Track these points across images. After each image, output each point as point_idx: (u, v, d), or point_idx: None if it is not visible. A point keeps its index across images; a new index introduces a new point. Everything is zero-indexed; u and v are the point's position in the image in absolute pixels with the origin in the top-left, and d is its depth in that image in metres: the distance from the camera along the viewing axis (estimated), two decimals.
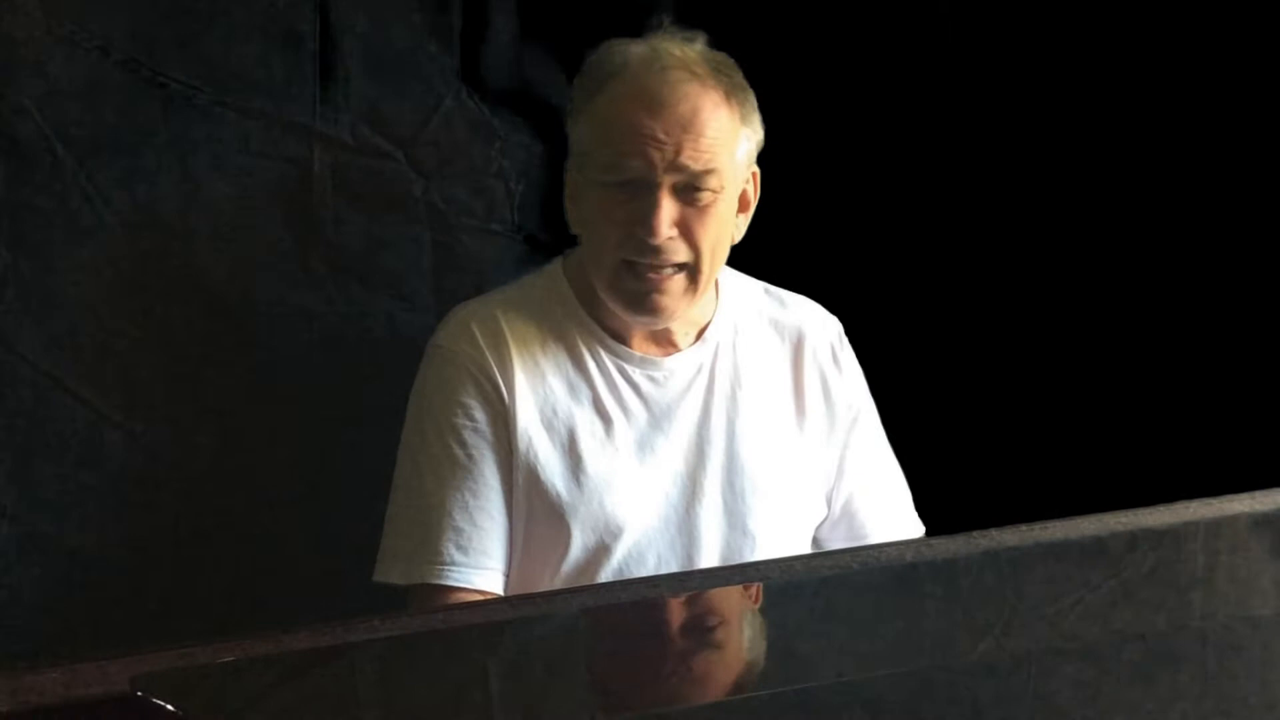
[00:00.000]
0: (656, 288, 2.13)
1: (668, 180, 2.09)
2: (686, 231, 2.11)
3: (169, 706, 1.43)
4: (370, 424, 2.30)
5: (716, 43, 2.18)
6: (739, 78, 2.16)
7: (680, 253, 2.12)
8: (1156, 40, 2.66)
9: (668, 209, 2.09)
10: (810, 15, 2.76)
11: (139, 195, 2.29)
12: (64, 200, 2.25)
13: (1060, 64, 2.74)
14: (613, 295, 2.16)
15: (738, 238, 2.22)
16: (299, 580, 2.41)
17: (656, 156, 2.08)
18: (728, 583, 1.91)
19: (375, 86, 2.43)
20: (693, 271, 2.14)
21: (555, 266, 2.26)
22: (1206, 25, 2.60)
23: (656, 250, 2.10)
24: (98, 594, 2.32)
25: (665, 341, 2.23)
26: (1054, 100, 2.74)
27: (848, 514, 2.33)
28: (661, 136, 2.08)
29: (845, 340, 2.35)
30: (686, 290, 2.15)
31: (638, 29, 2.20)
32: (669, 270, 2.12)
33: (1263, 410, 2.61)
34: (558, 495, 2.15)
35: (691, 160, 2.08)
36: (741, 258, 2.31)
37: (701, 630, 1.76)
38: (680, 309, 2.17)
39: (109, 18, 2.25)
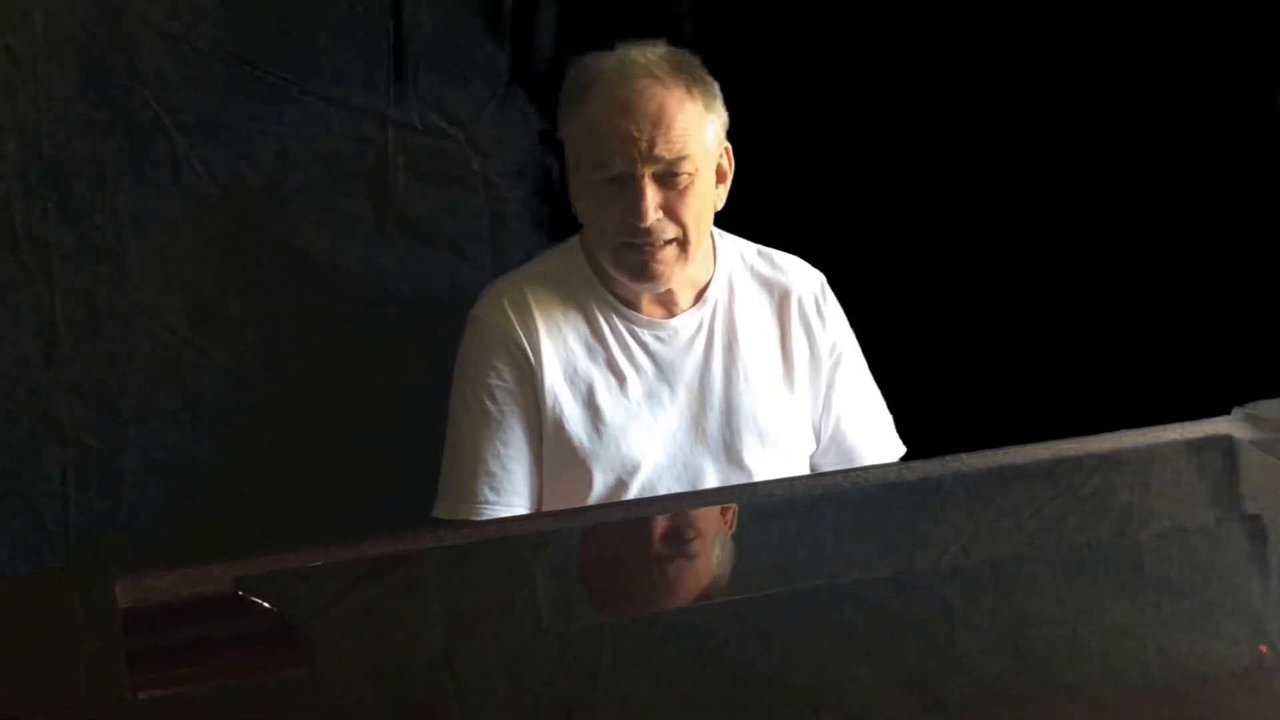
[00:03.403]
0: (652, 258, 2.16)
1: (648, 171, 2.12)
2: (670, 211, 2.14)
3: (266, 604, 1.45)
4: (435, 363, 2.31)
5: (729, 36, 2.18)
6: (700, 71, 2.19)
7: (669, 230, 2.15)
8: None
9: (651, 195, 2.13)
10: (810, 7, 2.72)
11: (239, 171, 2.31)
12: (176, 175, 2.27)
13: (1033, 35, 2.71)
14: (617, 270, 2.21)
15: (719, 205, 2.24)
16: (373, 498, 2.43)
17: (634, 152, 2.11)
18: (736, 500, 1.93)
19: (440, 79, 2.42)
20: (682, 243, 2.17)
21: (574, 243, 2.29)
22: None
23: (647, 231, 2.14)
24: (206, 507, 2.35)
25: (670, 304, 2.25)
26: (1032, 63, 2.70)
27: (835, 441, 2.34)
28: (636, 134, 2.11)
29: (828, 291, 2.35)
30: (679, 258, 2.18)
31: (658, 30, 2.22)
32: (661, 244, 2.15)
33: (1197, 350, 2.63)
34: (580, 443, 2.19)
35: (665, 151, 2.12)
36: (739, 221, 2.32)
37: (712, 539, 1.77)
38: (675, 273, 2.20)
39: (214, 21, 2.25)
